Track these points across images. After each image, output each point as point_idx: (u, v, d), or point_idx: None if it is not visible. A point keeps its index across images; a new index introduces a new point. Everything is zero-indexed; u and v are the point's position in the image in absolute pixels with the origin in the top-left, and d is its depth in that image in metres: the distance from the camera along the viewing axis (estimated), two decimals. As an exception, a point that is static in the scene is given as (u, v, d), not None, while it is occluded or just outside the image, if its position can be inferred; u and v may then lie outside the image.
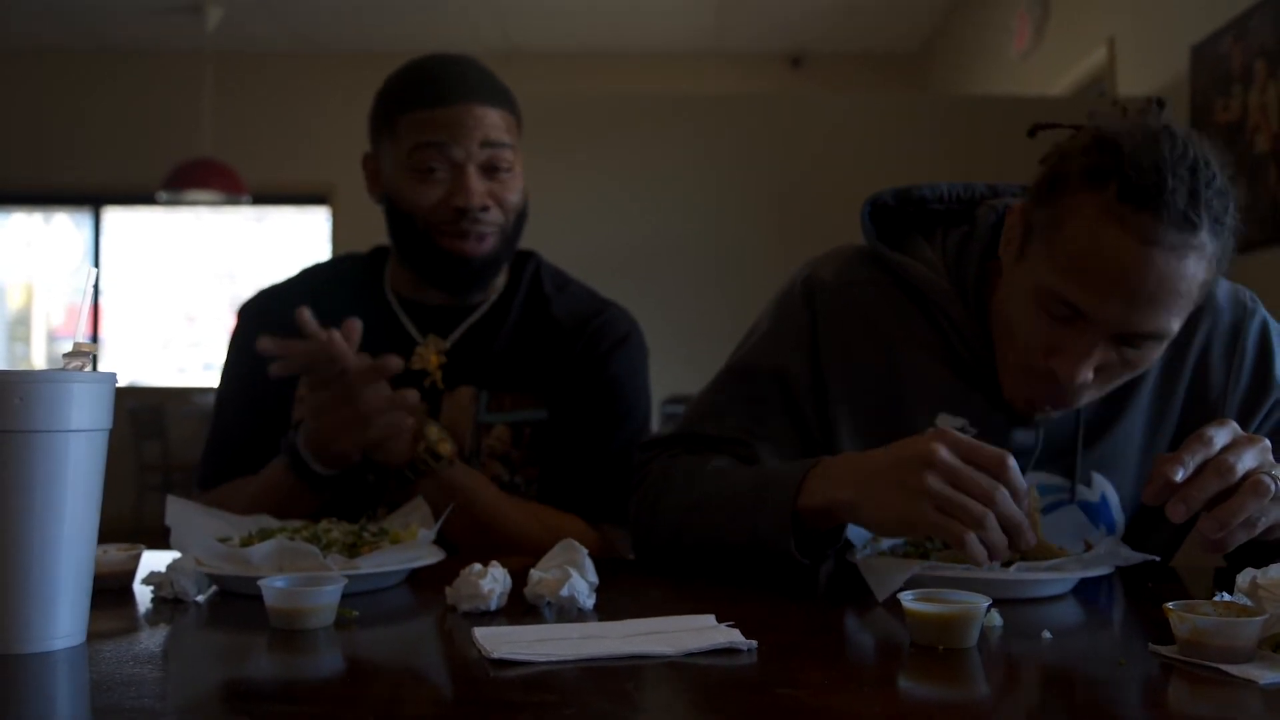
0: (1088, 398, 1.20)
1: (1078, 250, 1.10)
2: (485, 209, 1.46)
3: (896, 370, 1.28)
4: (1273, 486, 1.00)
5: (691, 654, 0.84)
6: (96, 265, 7.70)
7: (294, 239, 7.78)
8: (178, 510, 1.18)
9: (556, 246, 1.70)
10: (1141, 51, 3.92)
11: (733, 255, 3.80)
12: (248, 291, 7.89)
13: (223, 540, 1.15)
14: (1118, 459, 1.29)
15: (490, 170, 1.47)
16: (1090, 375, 1.14)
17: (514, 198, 1.50)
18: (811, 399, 1.29)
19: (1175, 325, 1.12)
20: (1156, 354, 1.17)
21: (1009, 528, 0.98)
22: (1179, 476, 0.99)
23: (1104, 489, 1.29)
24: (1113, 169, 1.07)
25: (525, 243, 1.59)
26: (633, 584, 1.16)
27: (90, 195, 7.70)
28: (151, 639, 0.93)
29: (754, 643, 0.86)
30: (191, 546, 1.12)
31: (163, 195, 6.55)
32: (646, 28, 6.91)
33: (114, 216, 7.81)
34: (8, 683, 0.78)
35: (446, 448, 1.38)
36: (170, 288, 7.87)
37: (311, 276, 1.64)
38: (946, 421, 1.24)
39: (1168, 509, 1.00)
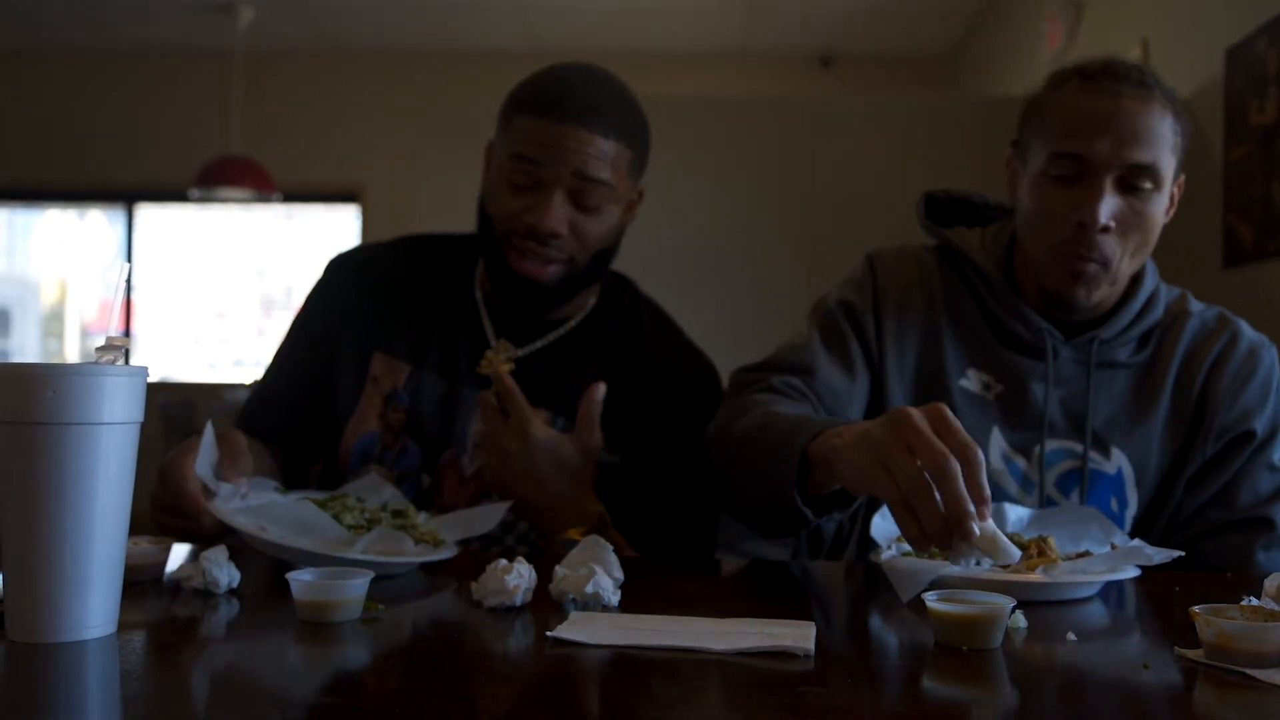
0: (1116, 253, 1.34)
1: (1064, 115, 1.35)
2: (556, 235, 1.42)
3: (938, 327, 1.46)
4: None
5: (742, 652, 0.84)
6: (129, 261, 7.77)
7: (323, 237, 7.82)
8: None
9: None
10: (1175, 53, 3.88)
11: (761, 258, 3.79)
12: (277, 289, 7.88)
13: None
14: (1139, 442, 1.42)
15: (579, 201, 1.43)
16: (1109, 215, 1.31)
17: (595, 232, 1.45)
18: (873, 330, 1.46)
19: (1161, 163, 1.31)
20: (1157, 206, 1.34)
21: (951, 512, 0.96)
22: None
23: (1121, 464, 1.42)
24: (1071, 70, 1.38)
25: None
26: (659, 581, 1.16)
27: (123, 192, 7.77)
28: (181, 630, 0.94)
29: (810, 649, 0.85)
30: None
31: (194, 193, 6.60)
32: (673, 28, 6.90)
33: (146, 213, 7.88)
34: (41, 671, 0.79)
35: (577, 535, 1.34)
36: (201, 284, 7.94)
37: (411, 247, 1.63)
38: (974, 375, 1.43)
39: None
